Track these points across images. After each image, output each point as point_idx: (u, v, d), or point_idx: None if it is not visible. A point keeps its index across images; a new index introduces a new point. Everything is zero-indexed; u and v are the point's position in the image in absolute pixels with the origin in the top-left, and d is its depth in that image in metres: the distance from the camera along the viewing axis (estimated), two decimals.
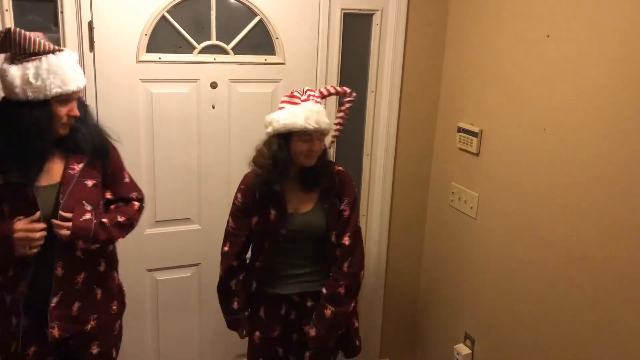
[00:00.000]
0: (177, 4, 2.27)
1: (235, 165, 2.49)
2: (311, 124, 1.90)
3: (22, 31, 1.66)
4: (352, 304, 2.10)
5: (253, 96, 2.47)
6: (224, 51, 2.39)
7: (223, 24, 2.37)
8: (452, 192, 2.66)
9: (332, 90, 2.09)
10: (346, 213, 2.07)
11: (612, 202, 1.82)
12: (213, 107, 2.41)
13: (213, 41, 2.36)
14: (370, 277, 2.91)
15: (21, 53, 1.67)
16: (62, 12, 2.12)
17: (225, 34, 2.38)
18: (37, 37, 1.69)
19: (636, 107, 1.72)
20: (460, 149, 2.57)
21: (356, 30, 2.59)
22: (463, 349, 2.60)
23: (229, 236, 2.13)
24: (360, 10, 2.54)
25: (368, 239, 2.87)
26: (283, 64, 2.47)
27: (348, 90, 2.10)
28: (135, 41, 2.24)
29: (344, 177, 2.11)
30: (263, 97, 2.48)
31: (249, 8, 2.37)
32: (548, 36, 2.05)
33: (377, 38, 2.59)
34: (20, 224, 1.71)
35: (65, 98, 1.72)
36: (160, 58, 2.29)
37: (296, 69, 2.50)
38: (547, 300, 2.11)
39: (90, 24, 2.15)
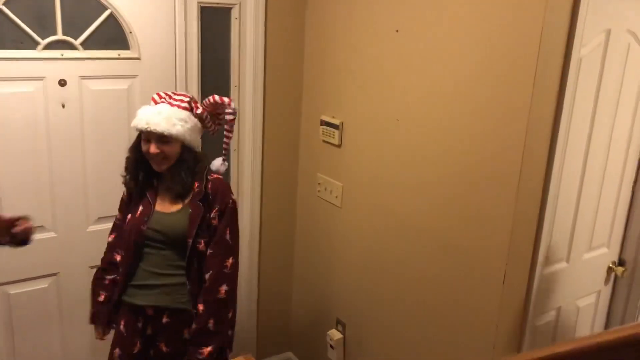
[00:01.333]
0: None
1: (91, 167, 2.37)
2: (140, 125, 1.85)
3: None
4: (229, 332, 2.01)
5: (107, 93, 2.35)
6: (72, 46, 2.25)
7: (70, 17, 2.22)
8: (319, 183, 2.72)
9: (212, 100, 2.01)
10: (214, 222, 1.96)
11: (459, 185, 1.97)
12: (63, 106, 2.27)
13: (59, 36, 2.22)
14: (243, 272, 2.91)
15: None
16: None
17: (73, 29, 2.24)
18: None
19: (478, 98, 1.87)
20: (324, 141, 2.64)
21: (216, 24, 2.55)
22: (335, 334, 2.68)
23: (114, 226, 2.11)
24: (217, 3, 2.51)
25: (240, 234, 2.85)
26: (138, 58, 2.38)
27: (227, 100, 2.00)
28: None
29: (217, 186, 1.98)
30: (118, 93, 2.37)
31: (98, 1, 2.25)
32: (397, 31, 2.16)
33: (237, 32, 2.58)
34: None
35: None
36: None
37: (153, 64, 2.42)
38: (407, 281, 2.24)
39: None
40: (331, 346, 2.69)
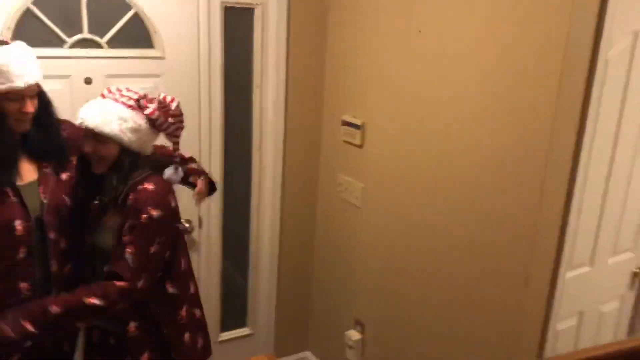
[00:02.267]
0: None
1: None
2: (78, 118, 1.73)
3: None
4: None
5: None
6: (97, 45, 2.28)
7: (96, 16, 2.25)
8: (340, 183, 2.72)
9: (158, 98, 1.77)
10: (124, 238, 1.70)
11: (482, 189, 1.95)
12: None
13: (85, 35, 2.25)
14: (264, 270, 2.92)
15: None
16: None
17: (99, 28, 2.27)
18: None
19: (500, 98, 1.86)
20: (345, 141, 2.64)
21: (239, 24, 2.57)
22: (354, 334, 2.68)
23: None
24: (241, 4, 2.52)
25: (261, 232, 2.88)
26: (162, 58, 2.40)
27: (169, 99, 1.77)
28: None
29: (139, 197, 1.71)
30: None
31: (123, 1, 2.28)
32: (420, 31, 2.15)
33: (260, 32, 2.59)
34: None
35: (13, 96, 1.60)
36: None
37: (177, 64, 2.44)
38: (428, 283, 2.23)
39: None
40: (350, 346, 2.69)
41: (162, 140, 1.87)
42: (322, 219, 2.92)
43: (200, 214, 2.69)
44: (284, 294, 2.99)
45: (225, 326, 2.94)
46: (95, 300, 1.62)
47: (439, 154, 2.11)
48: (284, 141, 2.76)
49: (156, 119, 1.74)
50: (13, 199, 1.66)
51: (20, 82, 1.60)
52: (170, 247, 1.81)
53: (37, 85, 1.68)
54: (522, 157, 1.79)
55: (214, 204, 2.70)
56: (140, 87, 2.36)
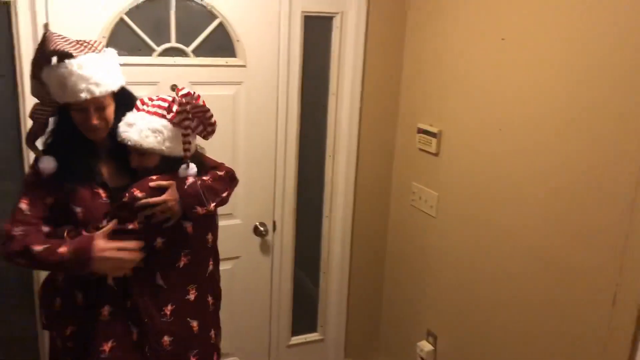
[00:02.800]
0: (136, 6, 2.25)
1: None
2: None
3: (51, 34, 1.63)
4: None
5: (214, 98, 2.43)
6: (184, 53, 2.38)
7: (183, 26, 2.35)
8: (413, 192, 2.70)
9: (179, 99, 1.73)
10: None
11: (564, 197, 1.89)
12: None
13: (173, 43, 2.35)
14: (334, 277, 2.94)
15: (49, 56, 1.63)
16: (16, 14, 2.08)
17: (186, 37, 2.37)
18: (61, 41, 1.62)
19: (587, 108, 1.79)
20: (420, 149, 2.62)
21: (317, 32, 2.61)
22: (426, 345, 2.65)
23: None
24: (320, 13, 2.56)
25: (332, 239, 2.90)
26: (244, 66, 2.47)
27: (173, 96, 1.77)
28: None
29: None
30: (224, 99, 2.48)
31: (209, 11, 2.37)
32: (503, 39, 2.12)
33: (338, 40, 2.62)
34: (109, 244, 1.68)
35: (77, 107, 1.67)
36: (119, 61, 2.26)
37: (258, 71, 2.51)
38: (506, 295, 2.18)
39: (46, 26, 2.11)
40: (421, 358, 2.66)
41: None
42: (394, 227, 2.91)
43: (275, 219, 2.74)
44: (354, 301, 3.00)
45: (295, 330, 2.98)
46: None
47: (521, 164, 2.06)
48: (358, 149, 2.77)
49: (180, 122, 1.73)
50: (105, 200, 1.75)
51: (73, 97, 1.64)
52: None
53: (105, 98, 1.70)
54: (611, 167, 1.72)
55: (288, 209, 2.75)
56: (222, 93, 2.47)
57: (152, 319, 1.77)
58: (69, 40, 1.66)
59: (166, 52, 2.35)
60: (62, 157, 1.72)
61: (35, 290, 2.36)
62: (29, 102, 2.15)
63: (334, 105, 2.71)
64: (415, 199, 2.69)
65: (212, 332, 1.93)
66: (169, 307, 1.79)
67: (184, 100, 1.71)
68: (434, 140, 2.51)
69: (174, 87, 2.37)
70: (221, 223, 2.54)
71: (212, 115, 1.81)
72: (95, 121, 1.69)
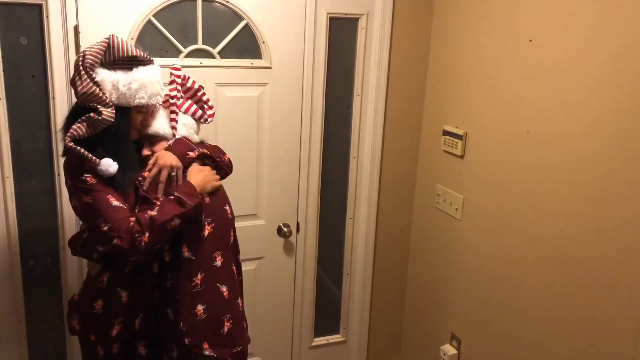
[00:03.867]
0: (164, 8, 2.28)
1: None
2: None
3: (121, 39, 1.74)
4: None
5: (240, 100, 2.48)
6: (210, 55, 2.40)
7: (209, 28, 2.37)
8: (438, 194, 2.69)
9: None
10: None
11: (592, 202, 1.86)
12: None
13: (199, 45, 2.37)
14: (357, 279, 2.93)
15: (113, 60, 1.72)
16: (47, 17, 2.12)
17: (212, 38, 2.39)
18: (133, 47, 1.76)
19: (616, 109, 1.76)
20: (445, 151, 2.60)
21: (342, 34, 2.61)
22: (449, 349, 2.62)
23: None
24: (346, 14, 2.56)
25: (355, 240, 2.89)
26: (269, 67, 2.48)
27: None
28: None
29: None
30: (250, 100, 2.49)
31: (235, 12, 2.38)
32: (531, 40, 2.09)
33: (363, 42, 2.62)
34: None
35: (143, 109, 1.81)
36: None
37: (282, 73, 2.51)
38: (531, 300, 2.15)
39: (76, 28, 2.15)
40: None
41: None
42: (418, 230, 2.89)
43: (299, 220, 2.74)
44: (377, 303, 2.98)
45: (318, 332, 2.98)
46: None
47: (547, 169, 2.03)
48: (382, 150, 2.76)
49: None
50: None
51: (153, 100, 1.79)
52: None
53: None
54: None
55: (311, 210, 2.75)
56: (247, 94, 2.48)
57: (184, 292, 1.81)
58: (129, 45, 1.76)
59: (192, 54, 2.37)
60: (121, 159, 1.75)
61: (62, 290, 2.41)
62: (59, 102, 2.20)
63: (359, 107, 2.71)
64: (440, 202, 2.67)
65: (240, 300, 1.97)
66: (199, 276, 1.83)
67: (173, 73, 1.89)
68: (459, 142, 2.49)
69: (201, 88, 2.39)
70: (245, 223, 2.60)
71: (205, 94, 2.00)
72: (150, 122, 1.86)
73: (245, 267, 2.67)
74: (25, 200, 2.28)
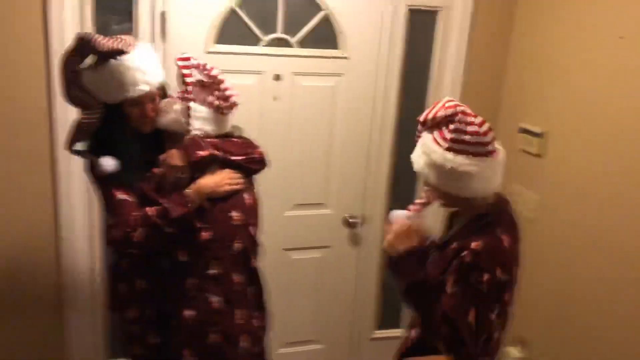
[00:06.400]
0: None
1: (295, 157, 2.55)
2: None
3: (91, 35, 1.66)
4: None
5: (315, 89, 2.50)
6: (289, 44, 2.43)
7: (289, 17, 2.40)
8: (511, 193, 2.62)
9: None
10: None
11: None
12: (274, 99, 2.45)
13: (279, 34, 2.41)
14: None
15: (86, 57, 1.71)
16: (136, 3, 2.21)
17: (291, 28, 2.42)
18: (103, 41, 1.66)
19: None
20: (522, 149, 2.53)
21: (420, 26, 2.58)
22: (514, 352, 2.56)
23: None
24: (425, 6, 2.53)
25: None
26: (346, 58, 2.49)
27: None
28: (205, 32, 2.30)
29: None
30: (325, 90, 2.51)
31: (315, 2, 2.40)
32: (621, 37, 2.00)
33: (441, 35, 2.58)
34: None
35: (133, 101, 1.74)
36: (227, 49, 2.35)
37: (359, 64, 2.52)
38: (607, 307, 2.07)
39: (163, 14, 2.23)
40: None
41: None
42: None
43: (365, 212, 2.75)
44: None
45: (379, 324, 2.98)
46: None
47: (634, 171, 1.94)
48: None
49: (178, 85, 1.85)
50: None
51: (137, 90, 1.71)
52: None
53: (158, 88, 1.79)
54: None
55: (379, 203, 2.74)
56: (323, 84, 2.50)
57: (174, 296, 1.85)
58: (105, 38, 1.68)
59: (272, 42, 2.41)
60: (121, 156, 1.75)
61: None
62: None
63: (433, 101, 2.66)
64: (513, 201, 2.60)
65: (240, 313, 1.89)
66: (189, 281, 1.83)
67: (179, 63, 1.78)
68: (536, 141, 2.42)
69: (277, 77, 2.43)
70: (312, 212, 2.64)
71: (223, 83, 1.81)
72: (152, 113, 1.78)
73: (310, 254, 2.74)
74: None
